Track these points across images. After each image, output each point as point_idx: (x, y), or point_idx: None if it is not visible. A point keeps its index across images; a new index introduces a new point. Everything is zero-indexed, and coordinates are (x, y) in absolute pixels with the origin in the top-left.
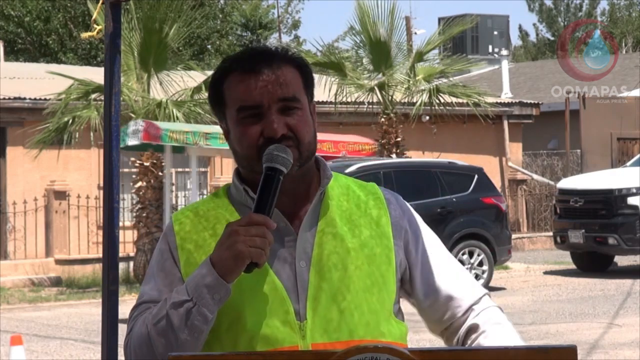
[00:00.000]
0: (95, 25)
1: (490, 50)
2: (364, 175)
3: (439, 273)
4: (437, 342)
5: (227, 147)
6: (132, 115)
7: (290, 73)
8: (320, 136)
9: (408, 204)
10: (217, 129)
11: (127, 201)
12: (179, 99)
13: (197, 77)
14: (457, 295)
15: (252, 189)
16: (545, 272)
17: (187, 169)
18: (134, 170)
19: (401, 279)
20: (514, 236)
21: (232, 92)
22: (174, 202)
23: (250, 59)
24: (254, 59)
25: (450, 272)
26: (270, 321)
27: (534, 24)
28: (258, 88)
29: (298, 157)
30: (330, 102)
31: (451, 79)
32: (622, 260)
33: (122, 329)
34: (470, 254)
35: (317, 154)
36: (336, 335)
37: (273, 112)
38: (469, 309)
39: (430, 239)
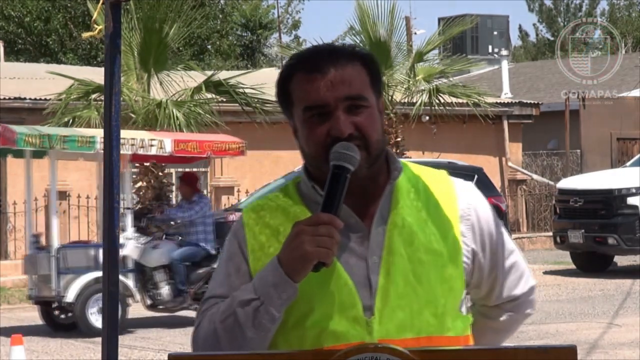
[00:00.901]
0: (95, 26)
1: (490, 50)
2: None
3: (495, 267)
4: None
5: (88, 151)
6: (132, 115)
7: (356, 70)
8: (185, 136)
9: (479, 195)
10: (76, 131)
11: (127, 201)
12: (179, 99)
13: (197, 77)
14: (502, 290)
15: (320, 186)
16: (545, 272)
17: (186, 169)
18: (134, 170)
19: (465, 270)
20: (513, 236)
21: (298, 92)
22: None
23: (315, 57)
24: (319, 58)
25: (505, 266)
26: (339, 317)
27: (534, 24)
28: (323, 88)
29: (366, 157)
30: None
31: (451, 79)
32: (621, 260)
33: (122, 329)
34: None
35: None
36: (403, 331)
37: (340, 112)
38: (504, 303)
39: (496, 232)
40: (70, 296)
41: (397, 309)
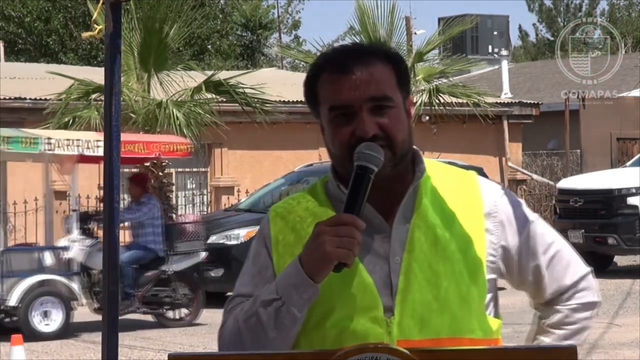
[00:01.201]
0: (95, 26)
1: (490, 50)
2: None
3: (535, 261)
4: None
5: (32, 151)
6: (132, 115)
7: (382, 70)
8: (132, 137)
9: (508, 194)
10: (20, 132)
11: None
12: (179, 99)
13: (197, 77)
14: (548, 282)
15: (346, 185)
16: None
17: (187, 169)
18: (134, 170)
19: (494, 269)
20: None
21: (324, 92)
22: (173, 202)
23: (341, 57)
24: (345, 58)
25: (546, 258)
26: (359, 317)
27: (534, 24)
28: (348, 88)
29: (391, 157)
30: None
31: (451, 79)
32: (621, 260)
33: (122, 329)
34: None
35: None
36: (423, 331)
37: (364, 112)
38: (557, 298)
39: (530, 226)
40: (13, 300)
41: (417, 310)
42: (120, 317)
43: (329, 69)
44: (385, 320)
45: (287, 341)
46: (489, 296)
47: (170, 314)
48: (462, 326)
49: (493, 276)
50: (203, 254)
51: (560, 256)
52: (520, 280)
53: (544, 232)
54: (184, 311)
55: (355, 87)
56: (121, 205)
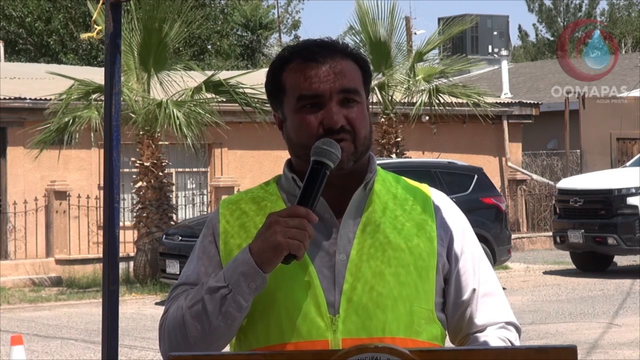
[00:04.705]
0: (95, 26)
1: (490, 50)
2: None
3: (469, 288)
4: None
5: None
6: (132, 115)
7: (351, 65)
8: None
9: (458, 210)
10: None
11: (127, 201)
12: (179, 99)
13: (197, 77)
14: (479, 315)
15: (301, 178)
16: (545, 272)
17: (187, 169)
18: (134, 170)
19: (443, 273)
20: (513, 236)
21: (293, 80)
22: (174, 202)
23: (312, 48)
24: (316, 49)
25: (481, 290)
26: (303, 313)
27: (534, 24)
28: (320, 77)
29: (354, 151)
30: None
31: (451, 79)
32: (621, 260)
33: (122, 329)
34: None
35: None
36: (368, 331)
37: (333, 103)
38: (483, 328)
39: (473, 251)
40: None
41: (362, 308)
42: (119, 316)
43: (300, 58)
44: (330, 317)
45: (230, 330)
46: (438, 300)
47: None
48: (408, 327)
49: (442, 279)
50: None
51: (494, 288)
52: (455, 296)
53: (482, 259)
54: None
55: (327, 77)
56: (121, 205)
